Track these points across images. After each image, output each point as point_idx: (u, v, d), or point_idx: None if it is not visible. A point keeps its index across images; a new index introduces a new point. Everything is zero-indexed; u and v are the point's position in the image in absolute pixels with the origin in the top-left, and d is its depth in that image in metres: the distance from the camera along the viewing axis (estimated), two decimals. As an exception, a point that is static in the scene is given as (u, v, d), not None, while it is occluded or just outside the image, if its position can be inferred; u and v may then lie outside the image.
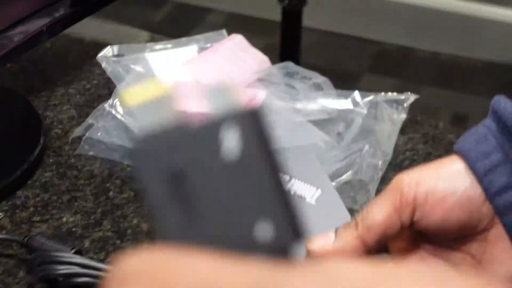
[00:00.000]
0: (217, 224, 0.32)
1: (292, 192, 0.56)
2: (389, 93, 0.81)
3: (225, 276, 0.30)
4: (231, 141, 0.32)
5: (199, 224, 0.32)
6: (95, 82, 0.87)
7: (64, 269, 0.63)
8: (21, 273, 0.68)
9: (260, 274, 0.31)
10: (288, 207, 0.32)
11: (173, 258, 0.31)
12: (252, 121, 0.32)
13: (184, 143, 0.32)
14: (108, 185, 0.75)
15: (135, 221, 0.71)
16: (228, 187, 0.32)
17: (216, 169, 0.32)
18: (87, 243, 0.69)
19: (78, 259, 0.64)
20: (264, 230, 0.32)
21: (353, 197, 0.73)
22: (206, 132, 0.32)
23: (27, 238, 0.68)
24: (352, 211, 0.70)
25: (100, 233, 0.71)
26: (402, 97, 0.81)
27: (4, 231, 0.71)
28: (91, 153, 0.78)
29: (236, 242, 0.32)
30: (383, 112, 0.79)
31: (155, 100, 0.32)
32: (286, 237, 0.32)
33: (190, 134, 0.32)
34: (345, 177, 0.72)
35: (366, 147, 0.74)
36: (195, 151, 0.32)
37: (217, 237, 0.32)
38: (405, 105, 0.81)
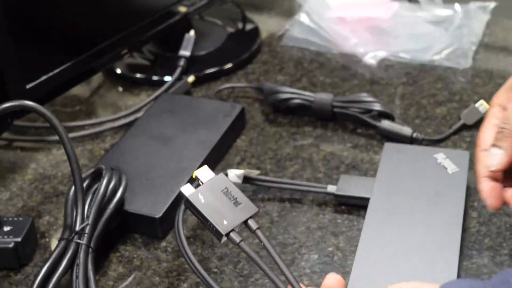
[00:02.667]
0: None
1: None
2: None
3: None
4: None
5: None
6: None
7: (283, 95, 0.88)
8: (257, 105, 0.92)
9: None
10: None
11: None
12: None
13: None
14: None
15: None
16: None
17: None
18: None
19: (292, 89, 0.88)
20: None
21: (458, 62, 0.95)
22: None
23: (260, 85, 0.92)
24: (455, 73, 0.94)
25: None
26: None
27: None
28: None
29: None
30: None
31: None
32: None
33: None
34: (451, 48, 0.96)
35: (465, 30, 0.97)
36: None
37: None
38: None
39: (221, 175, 0.55)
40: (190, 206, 0.54)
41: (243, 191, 0.78)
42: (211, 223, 0.53)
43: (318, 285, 0.68)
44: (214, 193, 0.54)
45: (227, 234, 0.53)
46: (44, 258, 0.73)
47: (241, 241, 0.53)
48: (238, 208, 0.54)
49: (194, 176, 0.55)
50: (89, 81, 0.99)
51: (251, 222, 0.54)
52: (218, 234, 0.53)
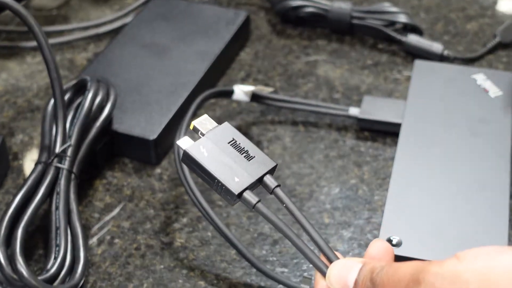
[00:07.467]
0: None
1: None
2: None
3: None
4: None
5: None
6: None
7: (294, 2, 0.76)
8: (262, 14, 0.80)
9: None
10: None
11: None
12: None
13: None
14: None
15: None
16: None
17: None
18: None
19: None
20: None
21: None
22: None
23: (265, -9, 0.81)
24: None
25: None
26: None
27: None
28: None
29: None
30: None
31: None
32: None
33: None
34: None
35: None
36: None
37: None
38: None
39: (226, 124, 0.42)
40: (190, 161, 0.41)
41: (250, 111, 0.67)
42: (218, 181, 0.41)
43: (340, 223, 0.57)
44: (220, 146, 0.42)
45: (240, 195, 0.41)
46: (17, 184, 0.61)
47: (258, 202, 0.41)
48: (250, 163, 0.42)
49: (192, 127, 0.42)
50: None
51: (268, 179, 0.42)
52: (229, 195, 0.41)
